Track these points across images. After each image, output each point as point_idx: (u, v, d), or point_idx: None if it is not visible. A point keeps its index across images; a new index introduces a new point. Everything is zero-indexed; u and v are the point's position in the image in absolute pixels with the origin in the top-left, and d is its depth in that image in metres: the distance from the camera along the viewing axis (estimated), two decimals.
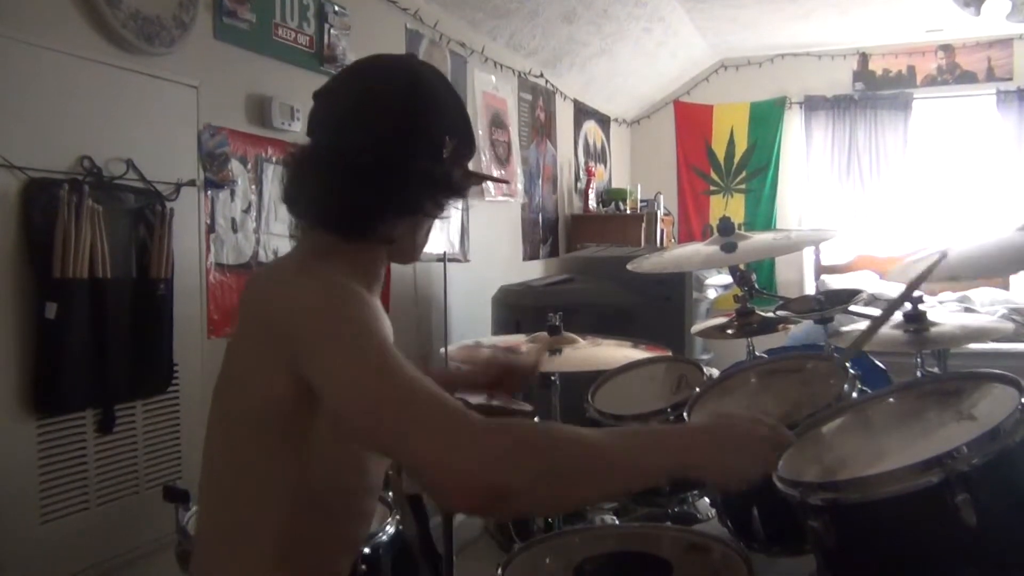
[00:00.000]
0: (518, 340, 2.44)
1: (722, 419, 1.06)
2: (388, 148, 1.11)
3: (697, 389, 1.81)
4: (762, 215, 6.49)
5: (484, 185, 4.12)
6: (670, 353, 2.28)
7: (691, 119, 6.68)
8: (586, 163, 5.78)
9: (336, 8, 3.06)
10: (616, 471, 0.95)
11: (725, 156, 6.61)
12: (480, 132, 4.13)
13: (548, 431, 0.97)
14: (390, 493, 2.27)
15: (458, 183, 1.17)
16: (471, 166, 1.26)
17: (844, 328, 2.22)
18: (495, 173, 4.31)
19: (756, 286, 2.35)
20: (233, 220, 2.63)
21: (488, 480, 0.87)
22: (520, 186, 4.64)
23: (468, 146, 1.20)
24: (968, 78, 6.04)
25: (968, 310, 4.77)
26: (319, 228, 1.15)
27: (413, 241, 1.21)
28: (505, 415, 2.38)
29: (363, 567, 1.55)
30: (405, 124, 1.13)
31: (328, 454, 1.08)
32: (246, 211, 2.68)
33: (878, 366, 2.67)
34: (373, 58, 1.25)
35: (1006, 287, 5.43)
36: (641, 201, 5.62)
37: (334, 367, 0.97)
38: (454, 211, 1.20)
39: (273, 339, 1.04)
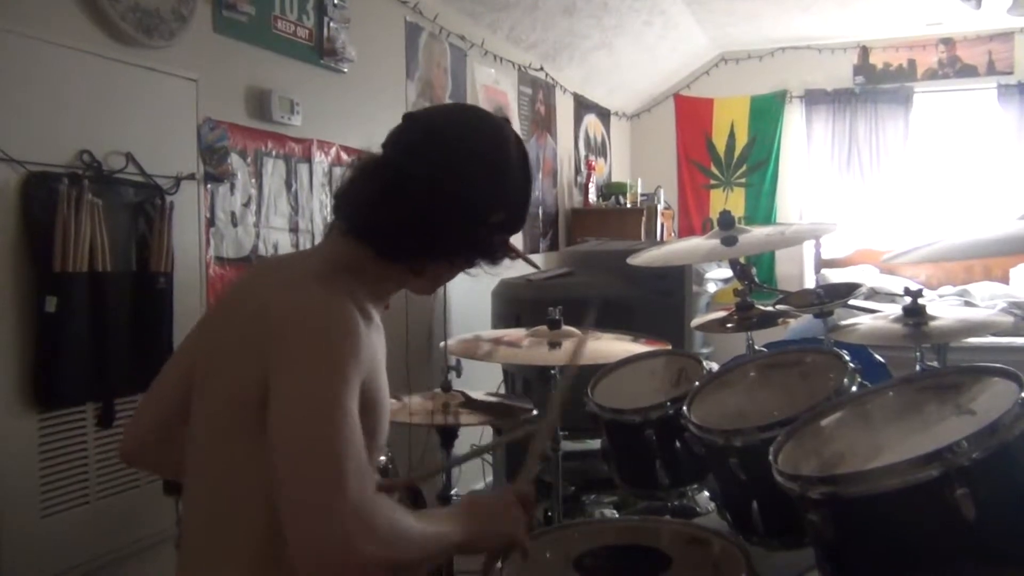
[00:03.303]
0: (518, 334, 2.44)
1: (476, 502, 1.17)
2: (450, 190, 1.14)
3: (696, 383, 1.81)
4: (762, 209, 6.49)
5: None
6: (670, 347, 2.28)
7: (691, 113, 6.67)
8: (586, 157, 5.77)
9: (335, 1, 3.06)
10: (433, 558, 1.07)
11: (725, 150, 6.61)
12: None
13: (399, 543, 0.98)
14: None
15: (494, 251, 1.22)
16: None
17: (844, 322, 2.21)
18: None
19: (756, 280, 2.35)
20: (233, 214, 2.63)
21: None
22: None
23: (517, 222, 1.24)
24: (969, 72, 6.04)
25: (968, 304, 4.76)
26: (354, 235, 1.17)
27: (434, 282, 1.26)
28: (503, 410, 2.38)
29: None
30: (477, 179, 1.17)
31: None
32: (246, 205, 2.68)
33: (878, 360, 2.67)
34: (474, 107, 1.33)
35: (1006, 281, 5.43)
36: (641, 195, 5.62)
37: (288, 399, 0.99)
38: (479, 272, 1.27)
39: (263, 337, 1.05)
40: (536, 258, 4.89)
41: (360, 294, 1.13)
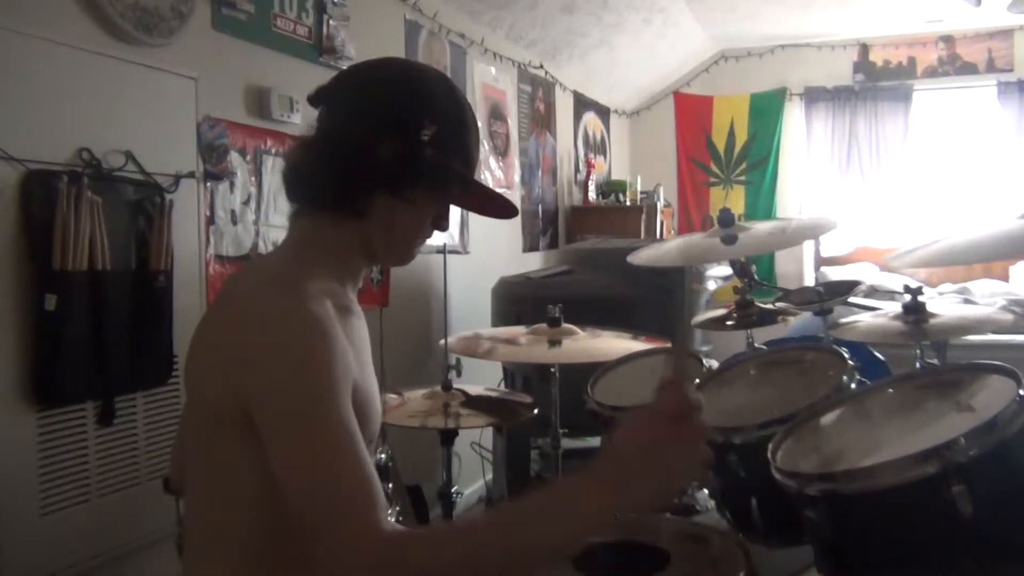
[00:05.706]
0: (517, 331, 2.44)
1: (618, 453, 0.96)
2: (353, 119, 1.11)
3: (697, 380, 1.81)
4: (762, 207, 6.49)
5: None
6: (670, 344, 2.28)
7: (691, 110, 6.67)
8: (586, 155, 5.77)
9: None
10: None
11: (725, 148, 6.61)
12: (479, 123, 4.12)
13: (441, 560, 0.90)
14: (389, 485, 2.28)
15: (435, 171, 1.11)
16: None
17: (843, 320, 2.21)
18: (494, 164, 4.30)
19: (756, 278, 2.35)
20: (232, 212, 2.63)
21: None
22: (517, 178, 4.64)
23: (454, 137, 1.13)
24: (968, 69, 6.03)
25: (967, 301, 4.77)
26: (303, 206, 1.15)
27: (396, 232, 1.15)
28: (504, 408, 2.38)
29: None
30: (392, 95, 1.12)
31: None
32: (245, 203, 2.68)
33: (877, 357, 2.67)
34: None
35: (1005, 278, 5.43)
36: (641, 193, 5.62)
37: (280, 434, 0.96)
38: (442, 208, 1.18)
39: (225, 348, 1.02)
40: (535, 256, 4.89)
41: (329, 280, 1.09)
